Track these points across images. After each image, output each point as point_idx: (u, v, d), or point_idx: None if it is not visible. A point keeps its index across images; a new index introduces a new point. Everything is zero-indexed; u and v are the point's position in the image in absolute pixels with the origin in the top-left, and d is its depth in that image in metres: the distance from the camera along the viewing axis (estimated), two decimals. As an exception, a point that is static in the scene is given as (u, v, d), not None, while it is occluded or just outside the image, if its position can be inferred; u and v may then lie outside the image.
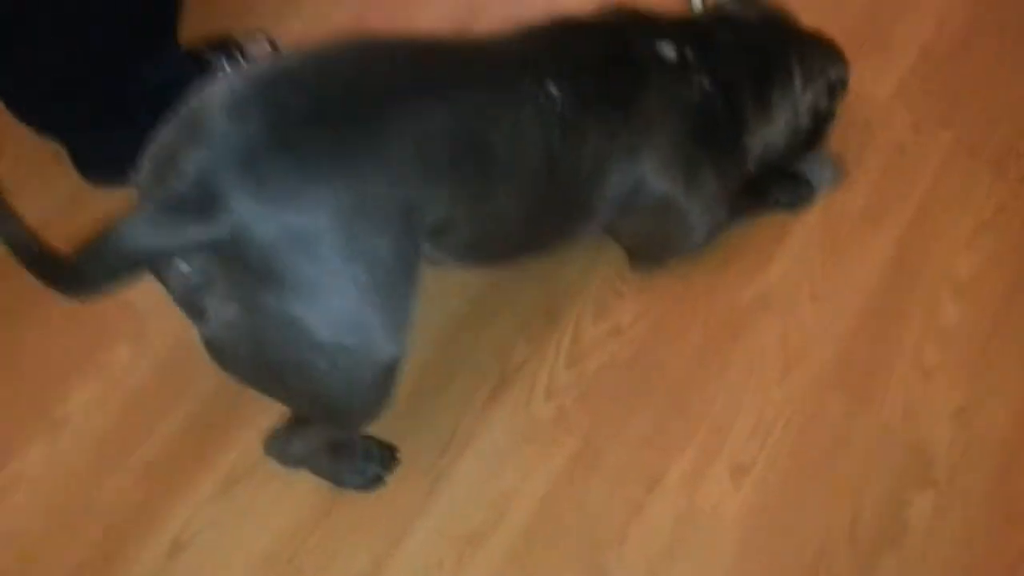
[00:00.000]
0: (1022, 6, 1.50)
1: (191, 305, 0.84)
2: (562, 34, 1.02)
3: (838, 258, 1.25)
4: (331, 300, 0.79)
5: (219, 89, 0.81)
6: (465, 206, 0.90)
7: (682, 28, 1.09)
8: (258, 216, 0.75)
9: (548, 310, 1.20)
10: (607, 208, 1.04)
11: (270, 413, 1.08)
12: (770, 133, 1.15)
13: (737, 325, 1.19)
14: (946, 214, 1.29)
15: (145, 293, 1.13)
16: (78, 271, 0.78)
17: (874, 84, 1.38)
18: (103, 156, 1.24)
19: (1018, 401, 1.16)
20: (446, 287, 1.19)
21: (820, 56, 1.20)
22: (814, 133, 1.22)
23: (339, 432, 1.03)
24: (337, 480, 1.07)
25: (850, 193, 1.30)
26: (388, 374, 0.87)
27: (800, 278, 1.23)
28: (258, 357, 0.84)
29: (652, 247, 1.19)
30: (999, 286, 1.24)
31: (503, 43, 0.98)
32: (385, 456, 1.09)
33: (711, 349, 1.17)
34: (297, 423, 1.02)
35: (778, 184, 1.26)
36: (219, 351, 0.86)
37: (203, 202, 0.75)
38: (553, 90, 0.94)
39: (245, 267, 0.78)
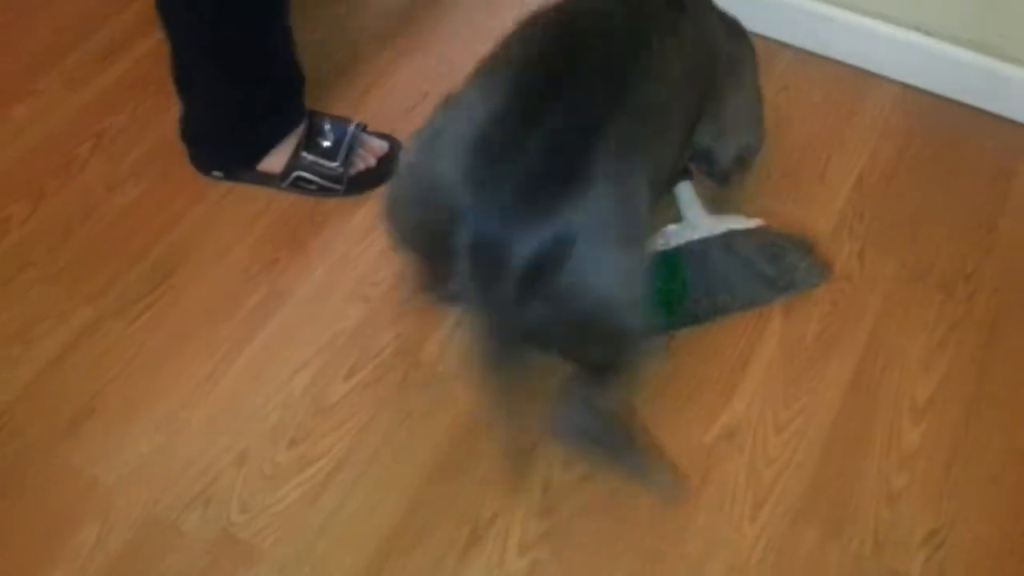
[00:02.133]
0: (951, 133, 1.59)
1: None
2: None
3: (798, 388, 1.27)
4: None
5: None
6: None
7: None
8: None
9: (516, 460, 1.20)
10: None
11: (240, 587, 1.08)
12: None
13: (705, 463, 1.20)
14: (899, 338, 1.33)
15: (109, 469, 1.16)
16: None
17: (817, 216, 1.45)
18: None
19: (987, 521, 1.17)
20: (412, 442, 1.20)
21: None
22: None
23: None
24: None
25: (804, 323, 1.33)
26: None
27: (763, 410, 1.25)
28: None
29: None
30: (958, 405, 1.27)
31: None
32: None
33: (681, 492, 1.18)
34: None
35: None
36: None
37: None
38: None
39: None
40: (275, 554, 1.11)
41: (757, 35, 1.67)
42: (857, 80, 1.66)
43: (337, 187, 1.44)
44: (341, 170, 1.43)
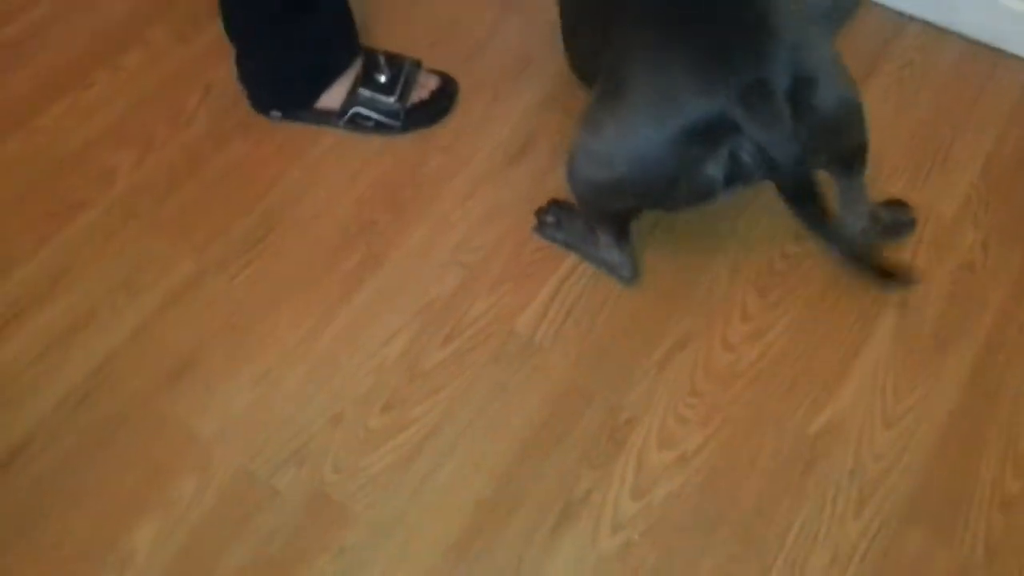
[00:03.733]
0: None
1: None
2: None
3: (910, 382, 1.21)
4: None
5: None
6: None
7: None
8: None
9: (612, 436, 1.18)
10: None
11: (327, 542, 1.08)
12: None
13: (809, 454, 1.16)
14: (1021, 334, 1.26)
15: (207, 422, 1.17)
16: None
17: (939, 203, 1.37)
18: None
19: (1111, 535, 1.10)
20: (506, 414, 1.18)
21: None
22: None
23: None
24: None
25: (920, 314, 1.27)
26: None
27: (872, 403, 1.20)
28: None
29: None
30: (1082, 408, 1.20)
31: None
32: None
33: (782, 480, 1.14)
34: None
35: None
36: None
37: None
38: None
39: None
40: (367, 517, 1.11)
41: (882, 6, 1.60)
42: (986, 58, 1.55)
43: (395, 123, 1.44)
44: (398, 105, 1.43)
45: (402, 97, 1.44)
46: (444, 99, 1.48)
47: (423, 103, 1.46)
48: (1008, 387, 1.21)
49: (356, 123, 1.45)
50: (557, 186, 1.39)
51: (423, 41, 1.57)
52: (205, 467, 1.14)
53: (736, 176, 1.07)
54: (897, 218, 1.33)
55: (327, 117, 1.46)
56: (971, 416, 1.19)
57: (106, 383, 1.20)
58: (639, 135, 1.08)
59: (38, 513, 1.11)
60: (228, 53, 1.48)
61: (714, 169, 1.07)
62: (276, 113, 1.47)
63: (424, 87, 1.47)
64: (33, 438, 1.16)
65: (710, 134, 1.04)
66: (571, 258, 1.32)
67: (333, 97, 1.44)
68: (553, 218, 1.34)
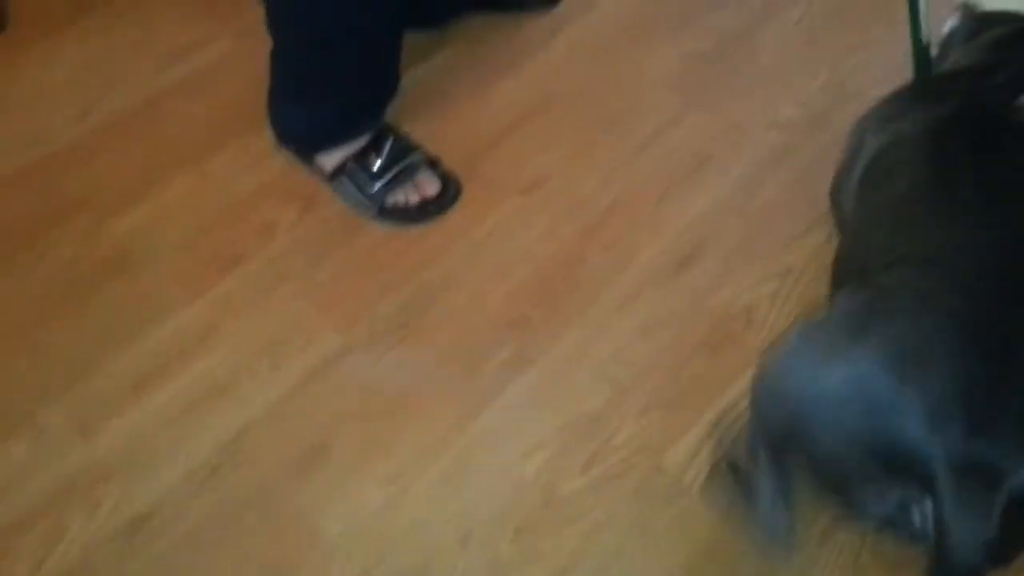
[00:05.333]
0: None
1: None
2: None
3: None
4: None
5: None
6: None
7: None
8: None
9: None
10: None
11: None
12: None
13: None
14: None
15: (333, 519, 1.13)
16: None
17: None
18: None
19: None
20: (646, 561, 1.10)
21: None
22: None
23: None
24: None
25: None
26: None
27: None
28: None
29: None
30: None
31: None
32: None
33: None
34: None
35: None
36: None
37: None
38: None
39: None
40: (484, 653, 1.05)
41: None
42: None
43: (370, 209, 1.39)
44: (380, 196, 1.39)
45: (387, 188, 1.38)
46: (432, 208, 1.41)
47: (407, 207, 1.40)
48: None
49: (339, 191, 1.42)
50: (723, 305, 1.31)
51: (596, 126, 1.51)
52: (325, 568, 1.10)
53: (890, 522, 0.86)
54: None
55: (321, 174, 1.43)
56: None
57: (237, 459, 1.18)
58: (837, 397, 0.84)
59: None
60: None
61: (871, 502, 0.85)
62: (289, 146, 1.46)
63: (419, 190, 1.40)
64: (158, 510, 1.13)
65: (896, 464, 0.81)
66: (733, 391, 1.23)
67: (331, 158, 1.41)
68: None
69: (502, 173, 1.46)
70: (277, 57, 1.38)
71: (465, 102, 1.55)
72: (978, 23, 1.21)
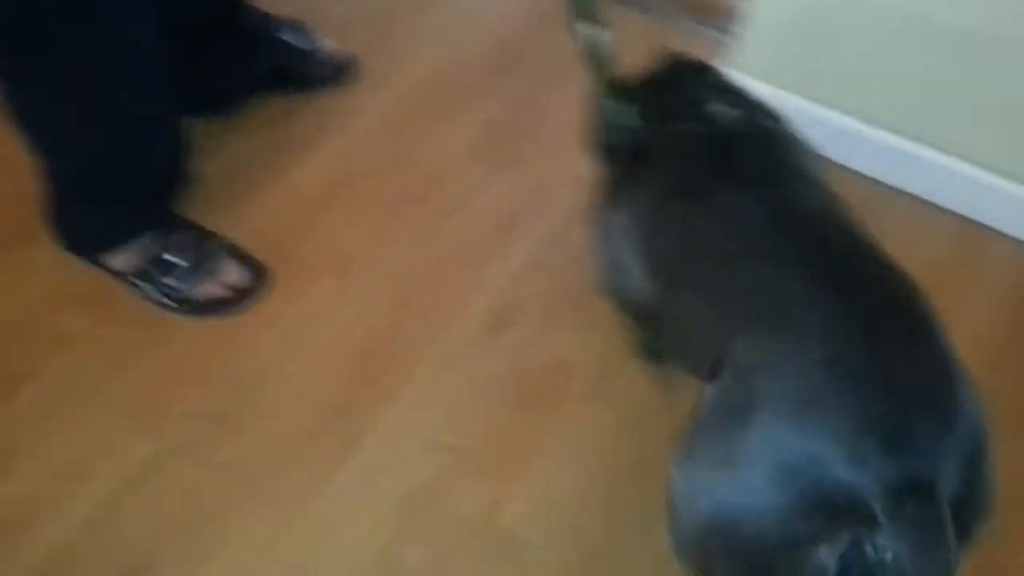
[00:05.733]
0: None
1: None
2: None
3: None
4: None
5: None
6: None
7: None
8: None
9: None
10: None
11: None
12: None
13: None
14: None
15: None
16: None
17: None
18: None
19: None
20: None
21: None
22: None
23: None
24: None
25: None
26: None
27: None
28: None
29: None
30: None
31: None
32: None
33: None
34: None
35: None
36: None
37: None
38: None
39: None
40: None
41: (873, 179, 1.60)
42: (976, 236, 1.55)
43: (174, 306, 1.34)
44: (179, 291, 1.34)
45: (191, 282, 1.34)
46: (238, 297, 1.36)
47: (214, 300, 1.35)
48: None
49: (138, 291, 1.35)
50: (543, 360, 1.33)
51: (399, 195, 1.52)
52: None
53: (851, 571, 0.80)
54: None
55: (114, 274, 1.36)
56: None
57: (53, 584, 1.08)
58: (749, 485, 0.81)
59: None
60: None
61: (826, 556, 0.78)
62: (71, 249, 1.36)
63: (221, 280, 1.36)
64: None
65: (835, 511, 0.78)
66: (561, 441, 1.25)
67: (121, 258, 1.34)
68: None
69: (313, 255, 1.44)
70: (51, 168, 1.30)
71: (268, 187, 1.52)
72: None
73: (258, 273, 1.39)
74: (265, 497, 1.18)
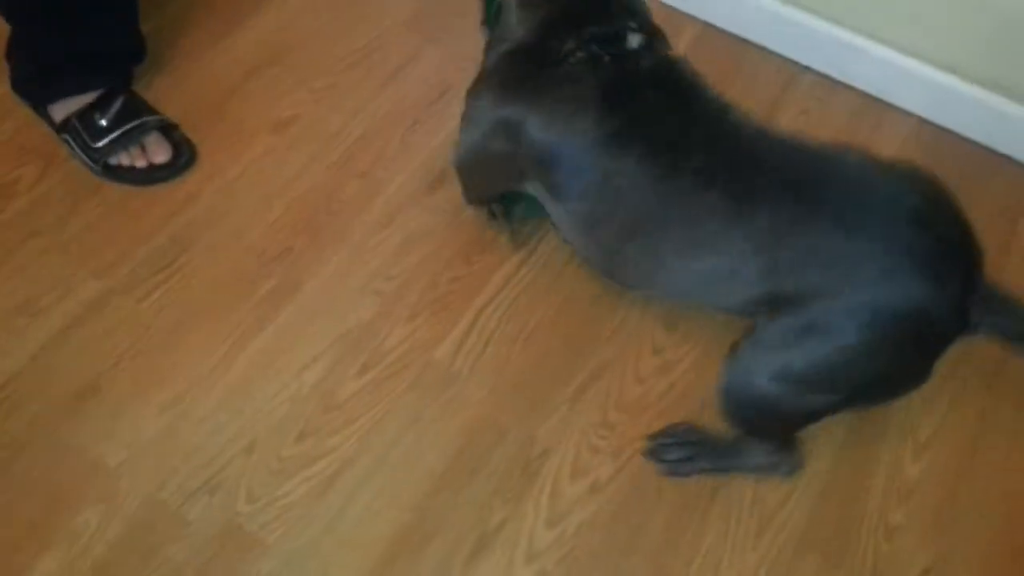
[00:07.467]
0: (961, 171, 1.60)
1: None
2: None
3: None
4: None
5: None
6: None
7: None
8: None
9: (525, 467, 1.20)
10: None
11: (239, 574, 1.06)
12: None
13: (712, 485, 1.21)
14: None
15: (113, 450, 1.14)
16: None
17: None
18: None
19: (981, 560, 1.19)
20: (421, 446, 1.19)
21: None
22: None
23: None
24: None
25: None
26: None
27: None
28: None
29: None
30: (959, 442, 1.29)
31: None
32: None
33: (688, 509, 1.19)
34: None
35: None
36: None
37: None
38: None
39: None
40: (280, 548, 1.10)
41: (780, 56, 1.69)
42: (875, 110, 1.66)
43: (93, 166, 1.38)
44: (101, 154, 1.37)
45: (110, 148, 1.37)
46: (159, 174, 1.40)
47: (132, 168, 1.39)
48: (892, 424, 1.30)
49: (67, 143, 1.39)
50: (473, 217, 1.42)
51: (340, 64, 1.58)
52: (111, 497, 1.11)
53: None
54: None
55: (52, 124, 1.40)
56: (860, 445, 1.26)
57: (4, 408, 1.16)
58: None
59: (-73, 546, 1.06)
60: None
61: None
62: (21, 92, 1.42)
63: (146, 154, 1.40)
64: (-77, 466, 1.10)
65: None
66: (489, 287, 1.35)
67: (60, 109, 1.39)
68: (685, 453, 1.22)
69: (251, 115, 1.49)
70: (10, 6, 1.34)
71: (206, 51, 1.56)
72: None
73: (185, 154, 1.42)
74: (209, 334, 1.26)
